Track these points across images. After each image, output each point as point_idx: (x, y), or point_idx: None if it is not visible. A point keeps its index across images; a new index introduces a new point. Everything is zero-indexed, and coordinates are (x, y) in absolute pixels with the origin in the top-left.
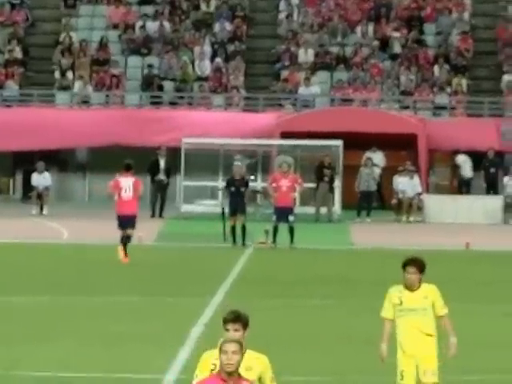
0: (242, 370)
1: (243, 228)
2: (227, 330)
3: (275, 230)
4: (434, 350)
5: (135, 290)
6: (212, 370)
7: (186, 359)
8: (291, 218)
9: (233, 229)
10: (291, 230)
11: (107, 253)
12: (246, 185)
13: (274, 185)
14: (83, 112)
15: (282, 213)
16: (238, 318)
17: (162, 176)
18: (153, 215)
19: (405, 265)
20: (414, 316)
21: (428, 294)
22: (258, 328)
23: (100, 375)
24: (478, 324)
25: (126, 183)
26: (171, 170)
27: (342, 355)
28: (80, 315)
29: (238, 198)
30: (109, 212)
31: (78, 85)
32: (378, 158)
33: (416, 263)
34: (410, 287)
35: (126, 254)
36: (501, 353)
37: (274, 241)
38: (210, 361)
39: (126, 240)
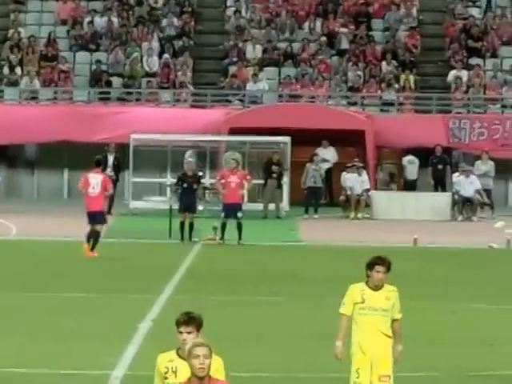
0: None
1: (191, 225)
2: (180, 332)
3: (223, 226)
4: (390, 353)
5: (83, 287)
6: (165, 373)
7: (134, 355)
8: (240, 214)
9: (182, 225)
10: (239, 227)
11: (56, 249)
12: (198, 181)
13: (222, 181)
14: (32, 108)
15: (231, 209)
16: (191, 320)
17: (110, 172)
18: None
19: (373, 264)
20: (375, 316)
21: (390, 296)
22: (207, 324)
23: (48, 371)
24: (425, 321)
25: (95, 180)
26: (120, 167)
27: (291, 352)
28: (28, 311)
29: (189, 194)
30: (57, 208)
31: (24, 80)
32: (329, 153)
33: (385, 262)
34: (375, 286)
35: (93, 249)
36: (447, 350)
37: (223, 237)
38: (162, 364)
39: (94, 235)
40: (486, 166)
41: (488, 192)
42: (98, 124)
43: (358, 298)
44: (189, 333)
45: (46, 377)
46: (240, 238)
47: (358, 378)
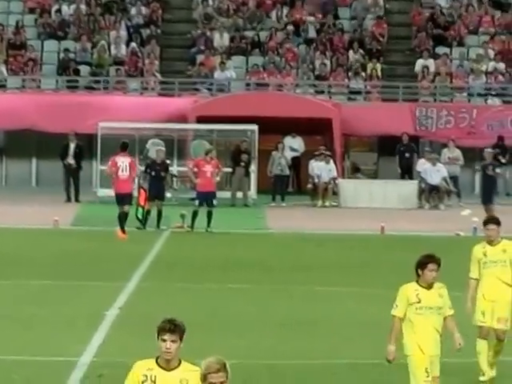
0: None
1: (159, 213)
2: (163, 340)
3: (195, 214)
4: (440, 351)
5: (51, 274)
6: (143, 381)
7: (101, 342)
8: (215, 202)
9: (148, 213)
10: (210, 214)
11: (24, 236)
12: (167, 169)
13: (195, 170)
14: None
15: (206, 197)
16: (177, 329)
17: (71, 160)
18: (68, 200)
19: (425, 263)
20: (432, 315)
21: (442, 293)
22: (175, 311)
23: (15, 357)
24: (390, 308)
25: (123, 163)
26: (82, 155)
27: (258, 339)
28: None
29: (158, 182)
30: (25, 196)
31: None
32: (297, 143)
33: (437, 260)
34: (428, 285)
35: (123, 230)
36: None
37: (193, 225)
38: (140, 372)
39: (124, 216)
40: (452, 153)
41: (455, 179)
42: (66, 112)
43: (413, 299)
44: (173, 341)
45: (13, 363)
46: (209, 226)
47: (427, 377)
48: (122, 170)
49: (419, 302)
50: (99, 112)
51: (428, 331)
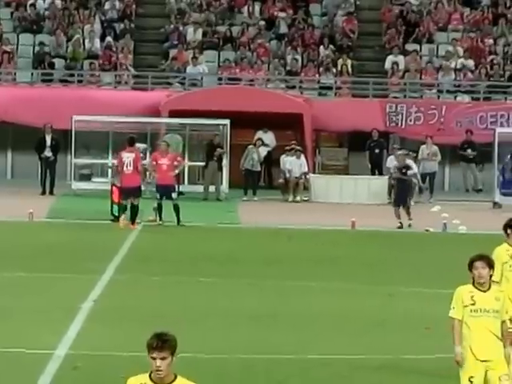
0: None
1: (133, 207)
2: (153, 358)
3: (159, 207)
4: (503, 355)
5: (24, 266)
6: None
7: (76, 335)
8: (174, 195)
9: (123, 207)
10: (176, 208)
11: None
12: None
13: (153, 163)
14: None
15: (164, 191)
16: (165, 345)
17: (48, 153)
18: (43, 192)
19: (472, 262)
20: (488, 318)
21: (499, 296)
22: (147, 304)
23: None
24: (362, 304)
25: (128, 158)
26: (58, 147)
27: (228, 332)
28: None
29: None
30: (1, 188)
31: None
32: (268, 138)
33: (484, 258)
34: (482, 286)
35: (133, 222)
36: (384, 333)
37: (160, 218)
38: None
39: (132, 209)
40: (430, 150)
41: (432, 175)
42: (41, 106)
43: (467, 301)
44: (163, 359)
45: None
46: (178, 220)
47: None
48: (127, 166)
49: (474, 304)
50: (73, 105)
51: (483, 335)
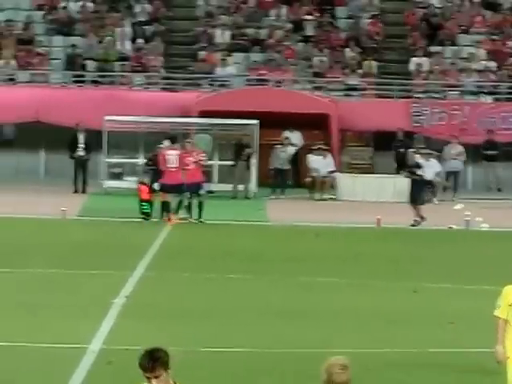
0: None
1: (163, 204)
2: (147, 377)
3: (189, 205)
4: None
5: (59, 263)
6: None
7: (109, 330)
8: (202, 192)
9: (151, 204)
10: (200, 205)
11: (33, 226)
12: None
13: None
14: (9, 89)
15: (191, 188)
16: (157, 364)
17: (81, 152)
18: (75, 191)
19: None
20: None
21: None
22: (178, 300)
23: (25, 344)
24: (388, 300)
25: (171, 156)
26: (91, 146)
27: (257, 328)
28: (4, 287)
29: (159, 175)
30: (34, 187)
31: (1, 63)
32: (295, 137)
33: None
34: None
35: (170, 218)
36: (410, 327)
37: (191, 216)
38: None
39: (169, 205)
40: (455, 149)
41: (456, 174)
42: (73, 106)
43: None
44: (157, 377)
45: (22, 350)
46: (200, 216)
47: None
48: (171, 162)
49: None
50: (105, 106)
51: None
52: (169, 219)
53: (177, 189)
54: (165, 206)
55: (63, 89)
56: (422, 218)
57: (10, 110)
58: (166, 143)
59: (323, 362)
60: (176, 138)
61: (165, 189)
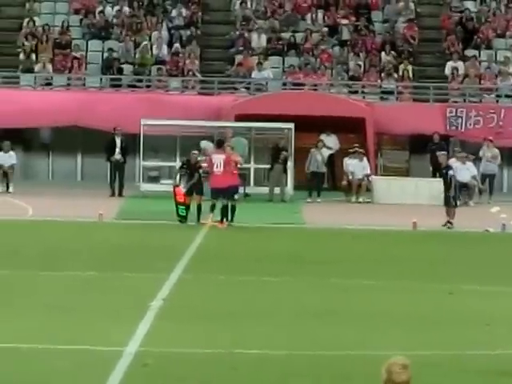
0: None
1: (199, 207)
2: None
3: (224, 208)
4: None
5: (96, 266)
6: None
7: (146, 332)
8: (236, 196)
9: (187, 207)
10: (233, 208)
11: (70, 229)
12: (198, 169)
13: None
14: (46, 93)
15: (227, 192)
16: None
17: (117, 155)
18: (112, 194)
19: None
20: None
21: None
22: (214, 303)
23: (62, 347)
24: (424, 301)
25: (217, 159)
26: (127, 150)
27: (295, 330)
28: (42, 289)
29: (192, 179)
30: (71, 190)
31: (38, 67)
32: (331, 141)
33: None
34: None
35: (222, 221)
36: (445, 329)
37: (227, 219)
38: None
39: (226, 208)
40: (491, 152)
41: (492, 177)
42: (110, 110)
43: None
44: None
45: (59, 352)
46: (232, 219)
47: None
48: (217, 166)
49: None
50: (141, 110)
51: None
52: (221, 222)
53: (224, 192)
54: (225, 209)
55: (100, 93)
56: (450, 222)
57: (47, 114)
58: (205, 144)
59: (359, 363)
60: (223, 142)
61: (212, 193)
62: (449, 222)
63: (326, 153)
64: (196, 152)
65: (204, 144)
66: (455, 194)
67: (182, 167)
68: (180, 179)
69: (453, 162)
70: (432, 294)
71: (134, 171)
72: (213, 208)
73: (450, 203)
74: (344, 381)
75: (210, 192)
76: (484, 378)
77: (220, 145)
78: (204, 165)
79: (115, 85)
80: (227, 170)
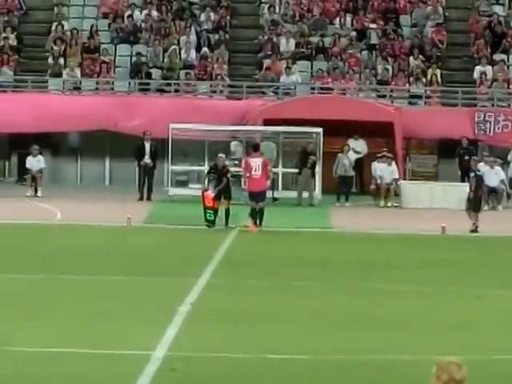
0: None
1: (227, 211)
2: None
3: (253, 212)
4: None
5: (124, 270)
6: None
7: (174, 337)
8: (263, 201)
9: (216, 212)
10: (261, 213)
11: (98, 233)
12: (226, 174)
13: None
14: (74, 97)
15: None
16: None
17: (147, 160)
18: (141, 198)
19: None
20: None
21: None
22: (243, 307)
23: (90, 351)
24: (452, 306)
25: (256, 163)
26: (157, 154)
27: (323, 335)
28: (71, 293)
29: (220, 183)
30: (99, 194)
31: (66, 71)
32: (360, 145)
33: None
34: None
35: (255, 224)
36: (474, 334)
37: (256, 223)
38: None
39: (257, 212)
40: None
41: None
42: (138, 114)
43: None
44: None
45: (87, 356)
46: (261, 224)
47: None
48: (255, 170)
49: None
50: (170, 114)
51: None
52: (255, 225)
53: (261, 196)
54: (259, 213)
55: (128, 97)
56: (475, 225)
57: (76, 118)
58: (235, 146)
59: (387, 368)
60: (259, 145)
61: (250, 196)
62: (476, 225)
63: (353, 157)
64: (223, 155)
65: (234, 146)
66: (481, 197)
67: (210, 172)
68: (208, 183)
69: (481, 166)
70: (460, 298)
71: (162, 175)
72: (253, 212)
73: (475, 207)
74: None
75: (249, 195)
76: None
77: (256, 148)
78: (232, 169)
79: (143, 89)
80: (264, 173)
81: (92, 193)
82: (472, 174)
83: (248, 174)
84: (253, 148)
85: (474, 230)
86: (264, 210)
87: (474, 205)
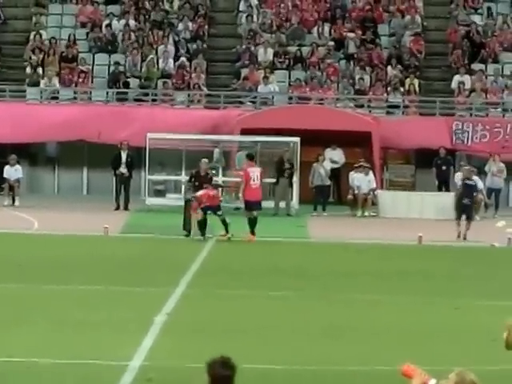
0: None
1: (204, 221)
2: None
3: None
4: None
5: (101, 280)
6: None
7: (150, 347)
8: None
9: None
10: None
11: (75, 243)
12: (210, 181)
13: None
14: (52, 107)
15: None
16: (234, 372)
17: (123, 169)
18: (117, 208)
19: None
20: None
21: None
22: (219, 318)
23: (67, 361)
24: (429, 317)
25: (254, 173)
26: (133, 164)
27: (300, 345)
28: (48, 303)
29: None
30: (77, 204)
31: (44, 81)
32: (337, 155)
33: None
34: None
35: (253, 233)
36: (450, 344)
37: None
38: None
39: (254, 221)
40: (497, 167)
41: (497, 191)
42: (115, 124)
43: None
44: None
45: (65, 366)
46: (252, 232)
47: None
48: (254, 179)
49: None
50: (147, 123)
51: None
52: (253, 235)
53: (258, 206)
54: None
55: (106, 106)
56: (459, 235)
57: (53, 128)
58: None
59: (363, 379)
60: (254, 155)
61: (247, 206)
62: (464, 234)
63: (329, 166)
64: (206, 160)
65: (217, 153)
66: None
67: (191, 179)
68: (185, 193)
69: (459, 176)
70: (438, 309)
71: (139, 185)
72: (250, 222)
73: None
74: None
75: (245, 205)
76: None
77: (252, 158)
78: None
79: (121, 98)
80: (260, 183)
81: (69, 202)
82: (468, 182)
83: (246, 184)
84: (248, 158)
85: (464, 237)
86: (257, 218)
87: (468, 213)
